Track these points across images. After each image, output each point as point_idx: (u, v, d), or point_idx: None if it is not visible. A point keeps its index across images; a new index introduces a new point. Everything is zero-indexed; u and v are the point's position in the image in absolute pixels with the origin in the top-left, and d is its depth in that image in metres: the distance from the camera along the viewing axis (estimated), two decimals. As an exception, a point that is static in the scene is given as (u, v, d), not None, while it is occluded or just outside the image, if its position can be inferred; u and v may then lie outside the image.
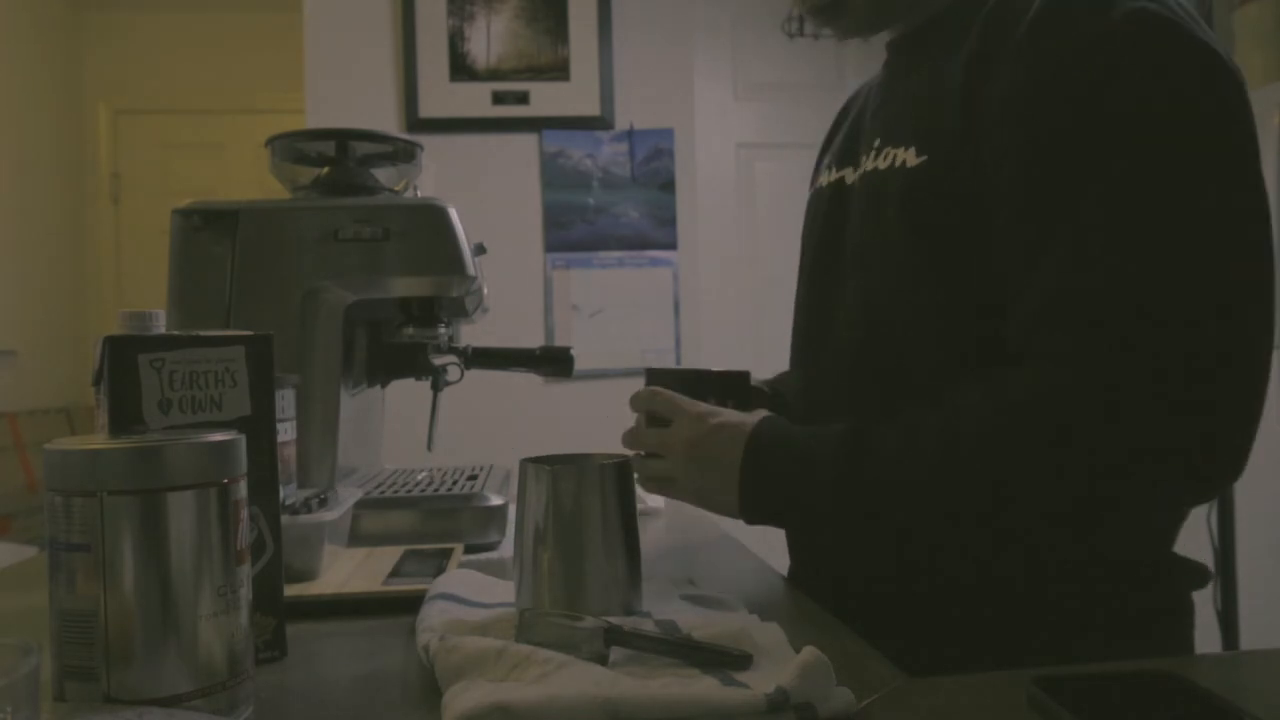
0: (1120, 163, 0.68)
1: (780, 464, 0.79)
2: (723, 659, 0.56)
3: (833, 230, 0.91)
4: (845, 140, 0.96)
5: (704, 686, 0.52)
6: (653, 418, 0.88)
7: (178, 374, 0.61)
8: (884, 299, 0.82)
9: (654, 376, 0.91)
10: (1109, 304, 0.67)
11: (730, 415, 0.84)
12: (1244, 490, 1.88)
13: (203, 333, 0.62)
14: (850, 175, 0.91)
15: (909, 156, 0.80)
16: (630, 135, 2.79)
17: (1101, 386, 0.67)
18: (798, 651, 0.52)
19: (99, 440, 0.53)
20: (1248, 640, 1.94)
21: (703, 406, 0.85)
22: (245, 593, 0.54)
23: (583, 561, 0.68)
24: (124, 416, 0.60)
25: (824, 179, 0.97)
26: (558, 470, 0.69)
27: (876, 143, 0.86)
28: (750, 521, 0.81)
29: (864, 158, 0.88)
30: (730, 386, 0.90)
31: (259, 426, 0.63)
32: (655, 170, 2.81)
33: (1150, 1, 0.70)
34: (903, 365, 0.80)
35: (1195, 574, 0.81)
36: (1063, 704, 0.48)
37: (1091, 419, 0.67)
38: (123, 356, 0.60)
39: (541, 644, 0.56)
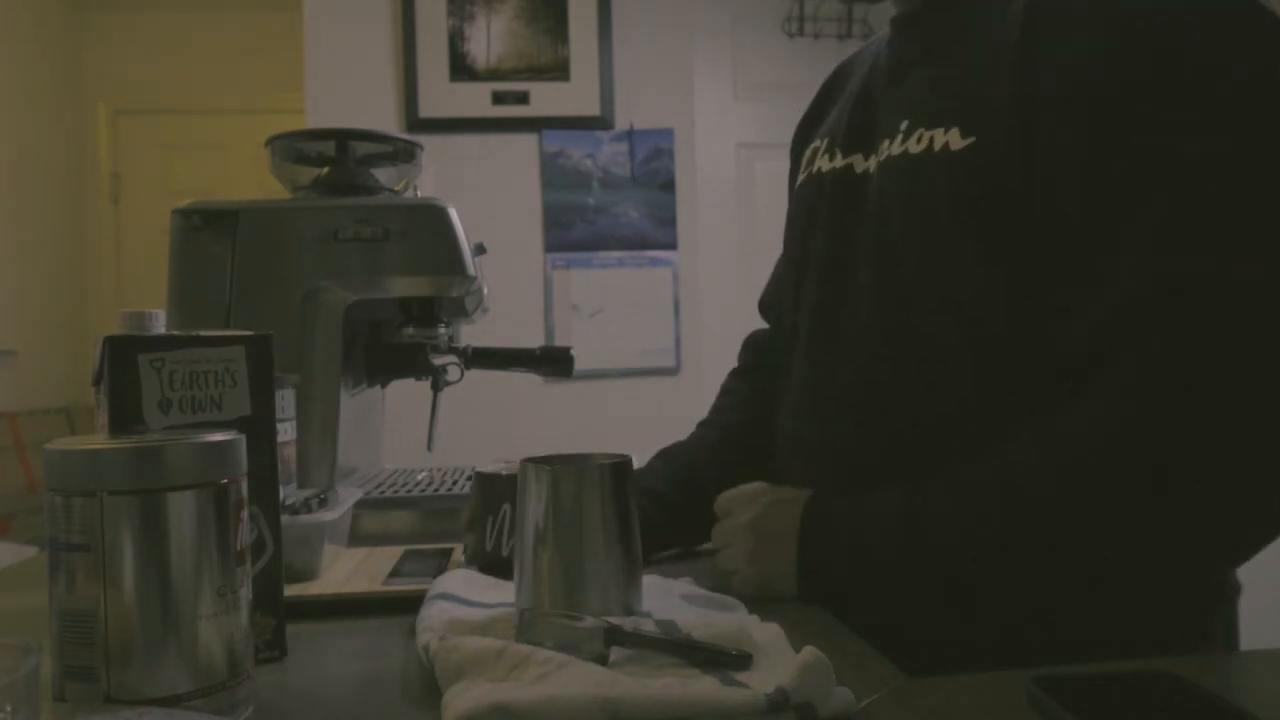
0: (1201, 140, 0.65)
1: (835, 548, 0.75)
2: (723, 659, 0.56)
3: (839, 220, 0.86)
4: (849, 124, 0.90)
5: (704, 686, 0.52)
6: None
7: (178, 374, 0.61)
8: (914, 289, 0.78)
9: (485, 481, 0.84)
10: (1189, 308, 0.64)
11: (783, 491, 0.81)
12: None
13: (203, 333, 0.62)
14: (862, 162, 0.86)
15: (952, 138, 0.75)
16: (630, 135, 2.79)
17: (1174, 421, 0.64)
18: (798, 651, 0.52)
19: (99, 440, 0.53)
20: (1248, 640, 1.93)
21: (753, 486, 0.82)
22: (245, 593, 0.54)
23: (583, 561, 0.68)
24: (124, 416, 0.60)
25: (821, 165, 0.91)
26: (558, 470, 0.69)
27: (904, 125, 0.80)
28: (809, 603, 0.78)
29: (885, 142, 0.82)
30: None
31: (259, 426, 0.63)
32: (655, 170, 2.81)
33: None
34: (929, 357, 0.77)
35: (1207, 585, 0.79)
36: (1063, 704, 0.48)
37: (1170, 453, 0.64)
38: (123, 356, 0.60)
39: (541, 644, 0.56)
